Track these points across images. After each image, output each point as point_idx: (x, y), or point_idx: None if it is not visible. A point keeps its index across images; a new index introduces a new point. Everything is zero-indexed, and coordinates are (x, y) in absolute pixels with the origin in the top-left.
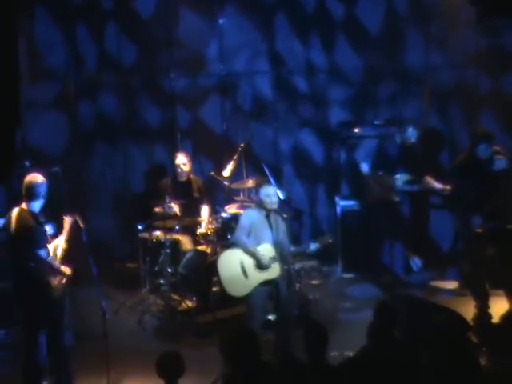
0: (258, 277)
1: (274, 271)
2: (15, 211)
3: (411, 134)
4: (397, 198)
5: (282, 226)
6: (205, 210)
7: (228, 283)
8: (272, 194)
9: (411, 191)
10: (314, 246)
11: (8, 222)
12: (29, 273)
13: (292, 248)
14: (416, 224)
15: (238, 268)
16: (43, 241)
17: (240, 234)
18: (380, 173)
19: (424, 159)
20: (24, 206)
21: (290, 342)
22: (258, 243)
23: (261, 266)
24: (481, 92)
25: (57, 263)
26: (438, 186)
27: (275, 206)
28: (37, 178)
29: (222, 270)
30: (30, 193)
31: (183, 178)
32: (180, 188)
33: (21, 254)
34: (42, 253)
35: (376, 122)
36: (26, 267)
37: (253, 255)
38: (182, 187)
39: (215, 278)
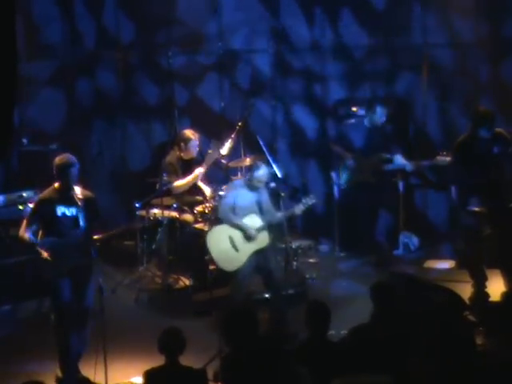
0: (248, 248)
1: (263, 240)
2: None
3: (380, 114)
4: (373, 180)
5: (265, 195)
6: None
7: (220, 259)
8: (266, 175)
9: (387, 171)
10: (298, 209)
11: None
12: None
13: (279, 214)
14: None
15: (227, 243)
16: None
17: (225, 208)
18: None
19: (394, 138)
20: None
21: (284, 319)
22: (245, 215)
23: (248, 237)
24: (480, 78)
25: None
26: (408, 165)
27: (263, 184)
28: (59, 158)
29: (213, 248)
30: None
31: (193, 155)
32: (185, 166)
33: None
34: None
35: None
36: None
37: (239, 227)
38: (187, 165)
39: (207, 257)
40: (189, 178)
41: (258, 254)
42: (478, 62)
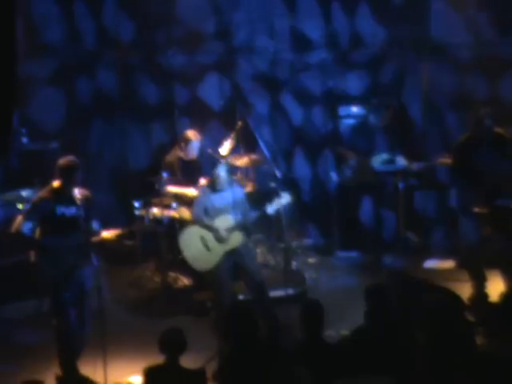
0: (220, 248)
1: (235, 240)
2: None
3: (380, 115)
4: (373, 179)
5: (239, 195)
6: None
7: (193, 259)
8: (225, 174)
9: (388, 171)
10: (271, 208)
11: None
12: None
13: (252, 214)
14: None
15: (199, 243)
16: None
17: (197, 210)
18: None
19: (395, 138)
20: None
21: (274, 318)
22: (217, 215)
23: (218, 238)
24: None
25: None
26: (409, 166)
27: (225, 184)
28: (63, 161)
29: (185, 248)
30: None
31: (194, 156)
32: (188, 166)
33: None
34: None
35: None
36: None
37: (209, 228)
38: (190, 165)
39: (180, 256)
40: (182, 191)
41: (232, 254)
42: (477, 79)
